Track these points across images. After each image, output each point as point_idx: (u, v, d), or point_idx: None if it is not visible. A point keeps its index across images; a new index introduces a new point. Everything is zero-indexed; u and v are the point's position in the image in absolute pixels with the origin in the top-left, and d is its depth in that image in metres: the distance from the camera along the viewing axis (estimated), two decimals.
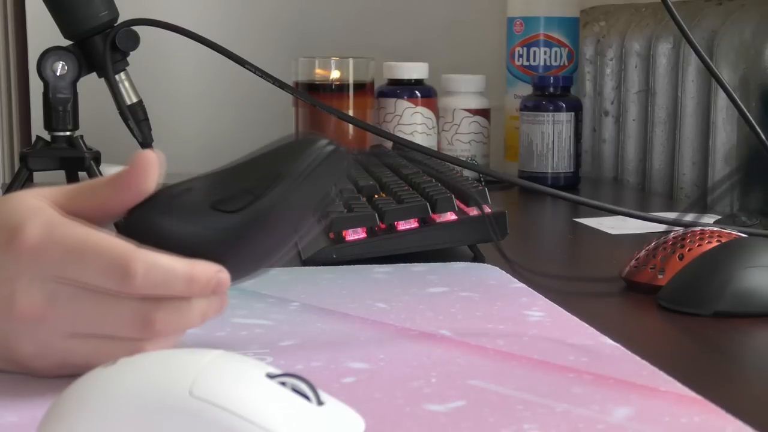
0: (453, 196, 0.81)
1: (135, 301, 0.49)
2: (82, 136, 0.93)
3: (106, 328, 0.50)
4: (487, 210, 0.80)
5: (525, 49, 1.35)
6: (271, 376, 0.42)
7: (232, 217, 0.52)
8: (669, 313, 0.67)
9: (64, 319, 0.49)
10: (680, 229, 0.75)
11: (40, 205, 0.50)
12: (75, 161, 0.92)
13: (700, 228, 0.74)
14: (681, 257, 0.71)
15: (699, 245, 0.71)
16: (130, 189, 0.52)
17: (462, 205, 0.82)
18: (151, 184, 0.52)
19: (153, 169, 0.52)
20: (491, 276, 0.75)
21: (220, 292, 0.51)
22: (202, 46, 0.95)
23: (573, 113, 1.26)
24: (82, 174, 0.94)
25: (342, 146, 0.54)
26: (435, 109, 1.31)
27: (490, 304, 0.68)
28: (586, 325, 0.63)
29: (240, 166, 0.54)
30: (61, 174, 0.95)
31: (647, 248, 0.74)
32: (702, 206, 1.15)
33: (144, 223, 0.52)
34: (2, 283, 0.49)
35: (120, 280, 0.49)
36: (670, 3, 0.83)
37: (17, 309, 0.49)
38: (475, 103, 1.32)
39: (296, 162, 0.53)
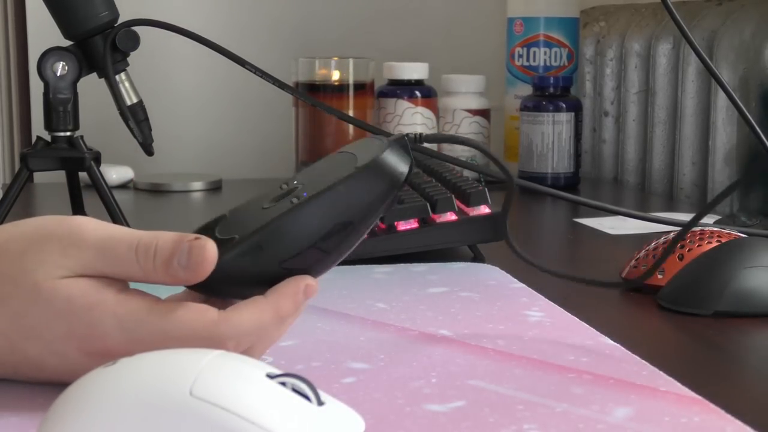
0: (453, 196, 0.81)
1: None
2: (82, 137, 0.93)
3: None
4: (487, 210, 0.80)
5: (525, 49, 1.35)
6: (271, 376, 0.42)
7: (293, 203, 0.50)
8: (669, 313, 0.67)
9: None
10: (680, 229, 0.75)
11: (98, 297, 0.48)
12: (75, 161, 0.92)
13: (700, 228, 0.74)
14: (681, 257, 0.71)
15: (699, 245, 0.71)
16: (183, 284, 0.50)
17: (462, 205, 0.82)
18: (204, 277, 0.49)
19: (212, 267, 0.49)
20: (491, 276, 0.75)
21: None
22: (203, 46, 0.95)
23: (573, 113, 1.26)
24: (82, 175, 0.93)
25: (408, 152, 0.52)
26: (435, 109, 1.31)
27: (490, 304, 0.68)
28: (586, 325, 0.63)
29: (307, 209, 0.51)
30: (61, 174, 0.95)
31: (647, 248, 0.74)
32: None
33: (203, 288, 0.51)
34: None
35: None
36: (669, 3, 0.83)
37: None
38: (475, 103, 1.32)
39: (368, 203, 0.51)
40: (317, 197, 0.50)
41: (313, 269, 0.51)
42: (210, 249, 0.48)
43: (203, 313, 0.48)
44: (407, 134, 0.53)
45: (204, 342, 0.48)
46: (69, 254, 0.48)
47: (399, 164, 0.52)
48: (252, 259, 0.50)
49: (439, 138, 0.57)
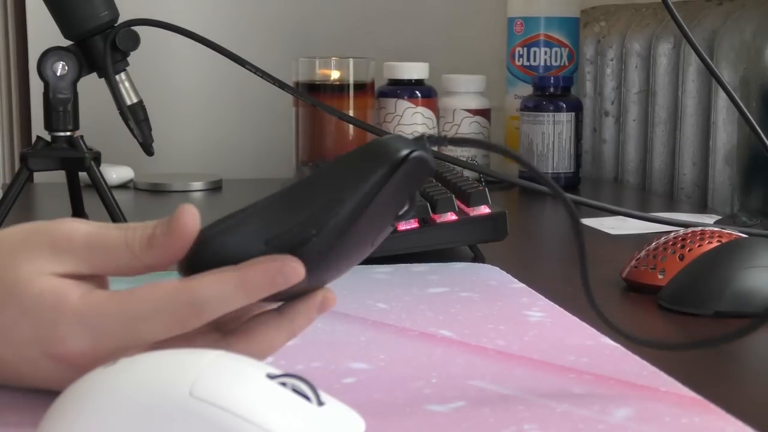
0: (453, 196, 0.81)
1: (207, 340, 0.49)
2: (82, 137, 0.93)
3: None
4: (488, 210, 0.80)
5: (525, 49, 1.35)
6: (271, 377, 0.42)
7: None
8: (669, 313, 0.67)
9: None
10: (680, 229, 0.75)
11: (64, 293, 0.46)
12: (75, 161, 0.92)
13: (700, 228, 0.74)
14: (681, 257, 0.71)
15: (699, 245, 0.71)
16: (170, 257, 0.47)
17: (462, 205, 0.82)
18: (190, 243, 0.47)
19: (194, 229, 0.47)
20: (491, 276, 0.75)
21: (292, 281, 0.46)
22: (203, 46, 0.95)
23: (573, 113, 1.26)
24: (82, 175, 0.94)
25: (423, 148, 0.47)
26: (435, 109, 1.31)
27: (491, 305, 0.68)
28: (586, 325, 0.63)
29: (298, 188, 0.47)
30: (61, 174, 0.95)
31: (647, 248, 0.74)
32: (702, 206, 1.15)
33: (190, 271, 0.48)
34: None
35: (191, 324, 0.46)
36: (670, 3, 0.83)
37: None
38: (476, 103, 1.32)
39: (361, 181, 0.46)
40: (308, 177, 0.48)
41: (304, 254, 0.46)
42: (189, 210, 0.47)
43: (163, 283, 0.46)
44: (427, 135, 0.48)
45: (169, 315, 0.46)
46: (59, 248, 0.47)
47: (398, 148, 0.47)
48: (238, 235, 0.47)
49: (458, 140, 0.49)
